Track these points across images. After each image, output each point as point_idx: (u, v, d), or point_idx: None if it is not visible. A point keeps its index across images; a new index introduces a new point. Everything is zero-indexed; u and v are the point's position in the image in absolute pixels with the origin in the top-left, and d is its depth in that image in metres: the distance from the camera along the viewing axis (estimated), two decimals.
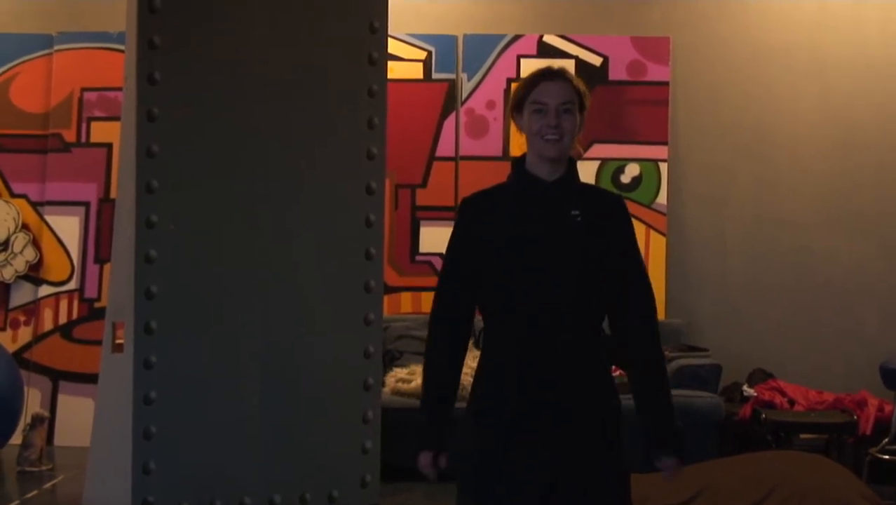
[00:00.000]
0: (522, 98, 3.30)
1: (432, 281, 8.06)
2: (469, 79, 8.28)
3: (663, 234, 8.13)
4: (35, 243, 8.10)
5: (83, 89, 8.20)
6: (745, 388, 7.67)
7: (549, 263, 3.21)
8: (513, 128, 3.40)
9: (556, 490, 3.20)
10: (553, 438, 3.19)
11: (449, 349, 3.35)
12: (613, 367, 3.42)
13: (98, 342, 6.43)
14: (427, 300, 8.10)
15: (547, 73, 3.30)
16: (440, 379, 3.35)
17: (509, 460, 3.20)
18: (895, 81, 8.26)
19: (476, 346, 3.40)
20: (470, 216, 3.32)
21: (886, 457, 6.75)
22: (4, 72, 8.25)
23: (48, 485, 6.71)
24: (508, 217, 3.25)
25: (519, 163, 3.33)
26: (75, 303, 8.10)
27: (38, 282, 8.12)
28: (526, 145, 3.32)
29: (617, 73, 8.26)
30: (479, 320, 3.38)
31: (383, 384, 6.81)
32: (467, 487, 3.29)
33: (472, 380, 3.40)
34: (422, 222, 8.23)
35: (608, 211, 3.33)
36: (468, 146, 8.23)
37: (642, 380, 3.33)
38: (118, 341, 5.86)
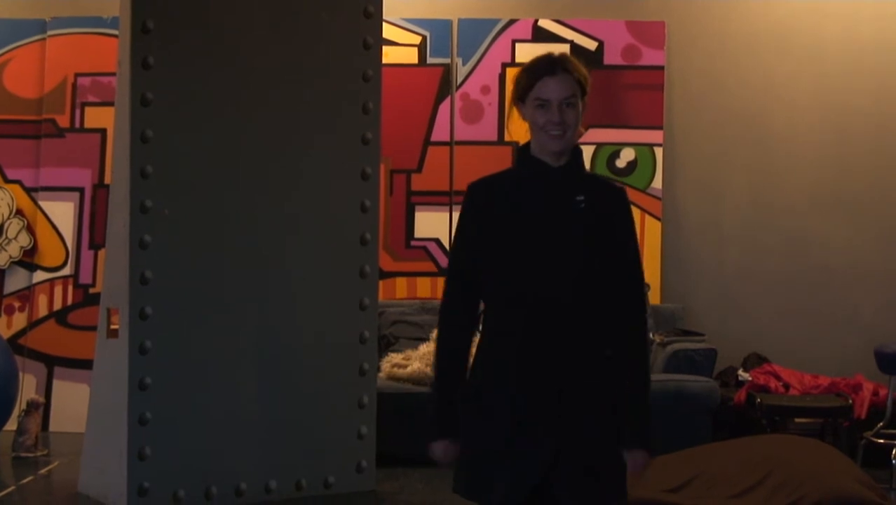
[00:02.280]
0: (525, 91, 3.28)
1: (427, 266, 8.13)
2: (464, 63, 8.26)
3: (658, 219, 8.12)
4: (29, 229, 8.08)
5: (77, 74, 8.18)
6: (740, 372, 7.68)
7: (552, 248, 3.22)
8: (514, 114, 3.37)
9: (555, 474, 3.20)
10: (554, 423, 3.19)
11: (461, 337, 3.33)
12: None
13: (93, 328, 6.43)
14: (422, 285, 8.12)
15: (548, 67, 3.26)
16: (454, 368, 3.33)
17: (510, 444, 3.20)
18: (890, 68, 8.24)
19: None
20: (476, 201, 3.32)
21: (881, 441, 6.77)
22: None
23: (44, 471, 6.71)
24: (513, 203, 3.26)
25: (524, 150, 3.35)
26: (70, 288, 8.08)
27: (32, 267, 8.10)
28: (530, 133, 3.32)
29: (612, 57, 8.24)
30: None
31: (379, 370, 6.81)
32: (467, 468, 3.28)
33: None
34: (417, 207, 8.21)
35: (610, 202, 3.34)
36: (463, 131, 8.21)
37: (624, 377, 3.32)
38: (113, 327, 5.86)
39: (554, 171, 3.28)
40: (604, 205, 3.30)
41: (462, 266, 3.34)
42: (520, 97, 3.31)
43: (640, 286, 3.39)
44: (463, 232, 3.34)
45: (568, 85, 3.24)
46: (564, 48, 8.13)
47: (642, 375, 3.34)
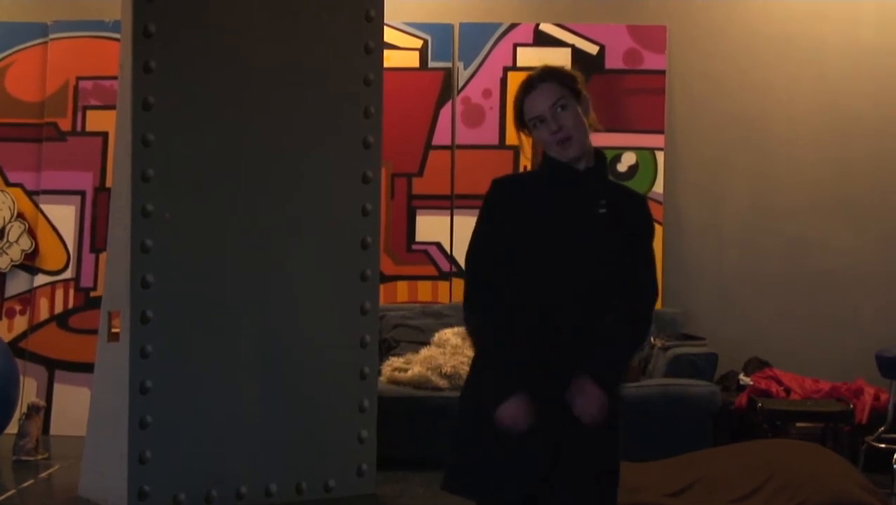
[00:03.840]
0: (520, 118, 3.32)
1: (429, 270, 8.12)
2: (465, 67, 8.27)
3: (659, 223, 8.12)
4: (31, 232, 8.08)
5: (78, 78, 8.18)
6: (741, 376, 7.67)
7: (570, 253, 3.22)
8: (530, 142, 3.37)
9: (555, 476, 3.20)
10: (556, 427, 3.19)
11: (499, 315, 3.21)
12: None
13: (94, 331, 6.43)
14: (423, 289, 8.11)
15: (526, 86, 3.30)
16: (504, 339, 3.21)
17: (511, 445, 3.19)
18: (891, 71, 8.25)
19: None
20: (499, 198, 3.30)
21: (882, 445, 6.76)
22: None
23: (44, 474, 6.71)
24: (536, 203, 3.26)
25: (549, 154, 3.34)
26: (71, 292, 8.08)
27: (33, 271, 8.11)
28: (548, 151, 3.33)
29: (613, 61, 8.25)
30: None
31: (379, 373, 6.80)
32: (465, 468, 3.27)
33: (468, 369, 3.40)
34: (418, 211, 8.21)
35: (632, 210, 3.34)
36: (464, 135, 8.21)
37: (612, 321, 3.26)
38: (114, 330, 5.86)
39: (578, 174, 3.27)
40: (625, 212, 3.30)
41: (486, 262, 3.28)
42: (521, 124, 3.33)
43: (649, 288, 3.38)
44: (487, 224, 3.31)
45: (550, 92, 3.25)
46: (565, 52, 8.15)
47: (630, 319, 3.29)
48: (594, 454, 3.24)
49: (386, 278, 7.89)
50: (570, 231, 3.23)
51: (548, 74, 3.29)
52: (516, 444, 3.18)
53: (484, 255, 3.30)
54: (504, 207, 3.27)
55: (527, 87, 3.29)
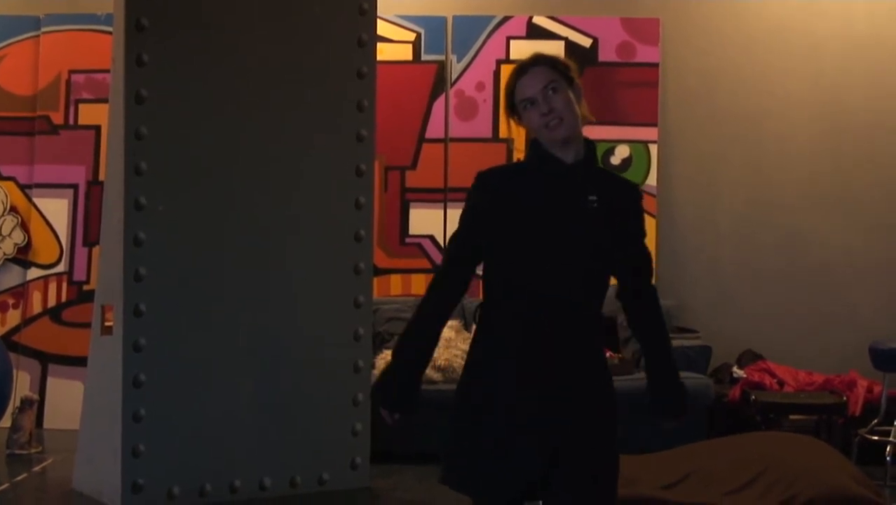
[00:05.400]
0: (512, 101, 3.32)
1: (422, 263, 8.12)
2: (458, 60, 8.26)
3: (653, 216, 8.12)
4: (23, 226, 8.07)
5: (71, 71, 8.16)
6: (734, 369, 7.68)
7: (561, 246, 3.21)
8: (519, 128, 3.37)
9: (555, 473, 3.19)
10: (554, 422, 3.19)
11: (442, 313, 3.36)
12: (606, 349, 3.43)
13: (87, 325, 6.42)
14: (417, 282, 8.11)
15: (519, 69, 3.31)
16: (423, 346, 3.35)
17: (510, 441, 3.19)
18: (885, 65, 8.25)
19: (467, 326, 3.39)
20: (485, 191, 3.29)
21: (875, 438, 6.77)
22: None
23: (38, 468, 6.70)
24: (524, 197, 3.24)
25: (536, 143, 3.32)
26: (64, 286, 8.07)
27: (26, 265, 8.09)
28: (537, 136, 3.32)
29: (606, 54, 8.24)
30: (471, 300, 3.36)
31: (373, 367, 6.80)
32: (462, 462, 3.26)
33: (461, 362, 3.39)
34: (411, 204, 8.21)
35: (623, 198, 3.35)
36: (458, 128, 8.21)
37: (651, 347, 3.54)
38: (107, 324, 5.86)
39: (566, 167, 3.26)
40: (616, 202, 3.30)
41: (463, 252, 3.32)
42: (512, 109, 3.33)
43: (650, 277, 3.45)
44: (470, 217, 3.31)
45: (543, 75, 3.25)
46: (559, 45, 8.15)
47: (666, 341, 3.55)
48: (592, 452, 3.23)
49: (379, 271, 7.89)
50: (561, 221, 3.22)
51: (540, 59, 3.30)
52: (514, 442, 3.18)
53: (463, 248, 3.32)
54: (492, 199, 3.26)
55: (519, 71, 3.30)
